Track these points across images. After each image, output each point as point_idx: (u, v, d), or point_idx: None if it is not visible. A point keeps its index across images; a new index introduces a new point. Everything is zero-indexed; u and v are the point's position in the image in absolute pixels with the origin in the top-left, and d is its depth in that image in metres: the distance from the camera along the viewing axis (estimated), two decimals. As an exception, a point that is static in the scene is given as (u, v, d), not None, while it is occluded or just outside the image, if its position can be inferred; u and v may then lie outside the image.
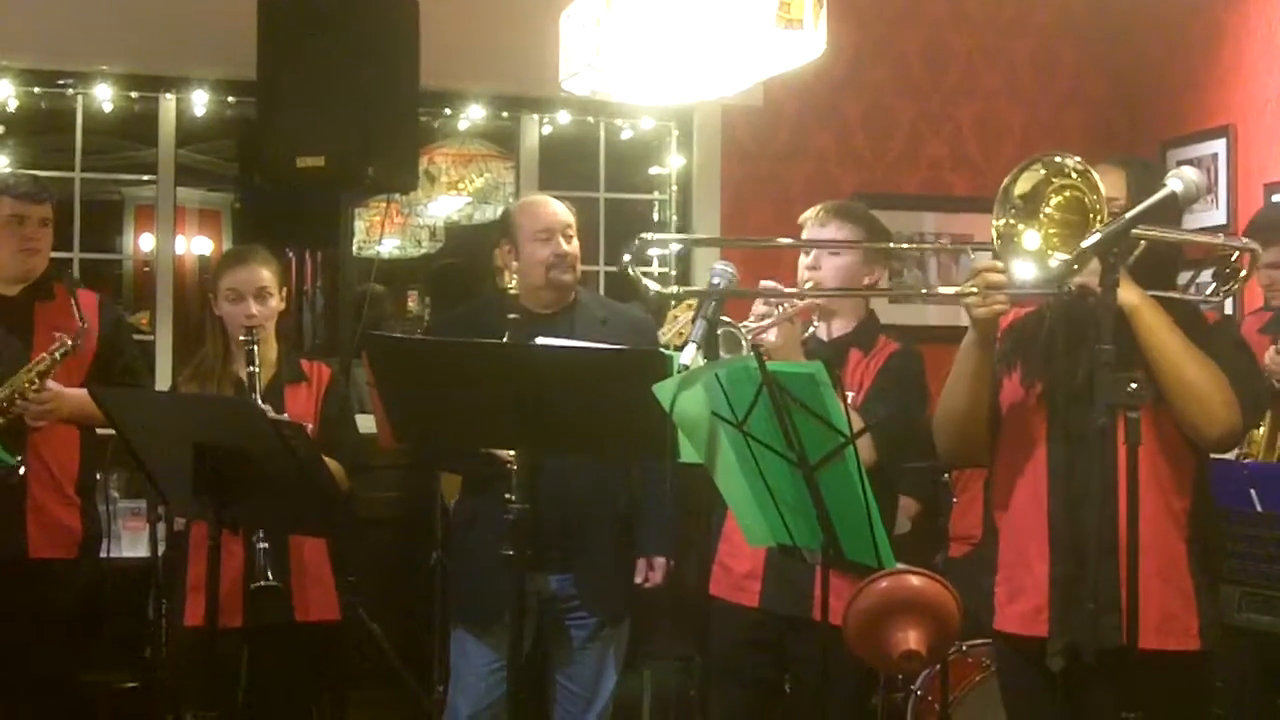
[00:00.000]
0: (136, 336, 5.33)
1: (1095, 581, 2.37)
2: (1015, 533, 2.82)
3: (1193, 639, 2.69)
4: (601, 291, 5.50)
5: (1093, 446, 2.45)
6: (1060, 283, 2.56)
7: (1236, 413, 2.63)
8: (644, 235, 3.02)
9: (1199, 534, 2.73)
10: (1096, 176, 2.51)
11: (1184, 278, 2.90)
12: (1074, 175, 2.53)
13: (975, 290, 2.64)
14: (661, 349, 3.37)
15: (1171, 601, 2.68)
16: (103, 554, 4.03)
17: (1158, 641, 2.60)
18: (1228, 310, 4.59)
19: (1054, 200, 2.58)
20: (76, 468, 3.84)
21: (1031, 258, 2.58)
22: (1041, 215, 2.58)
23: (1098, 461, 2.41)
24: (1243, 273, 2.78)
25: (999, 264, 2.61)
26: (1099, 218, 2.48)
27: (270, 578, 3.37)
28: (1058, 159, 2.55)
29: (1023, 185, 2.58)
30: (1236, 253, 2.78)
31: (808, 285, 3.34)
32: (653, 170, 5.87)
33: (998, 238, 2.60)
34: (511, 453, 3.12)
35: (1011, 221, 2.58)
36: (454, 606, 3.71)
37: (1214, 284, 2.77)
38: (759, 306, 3.18)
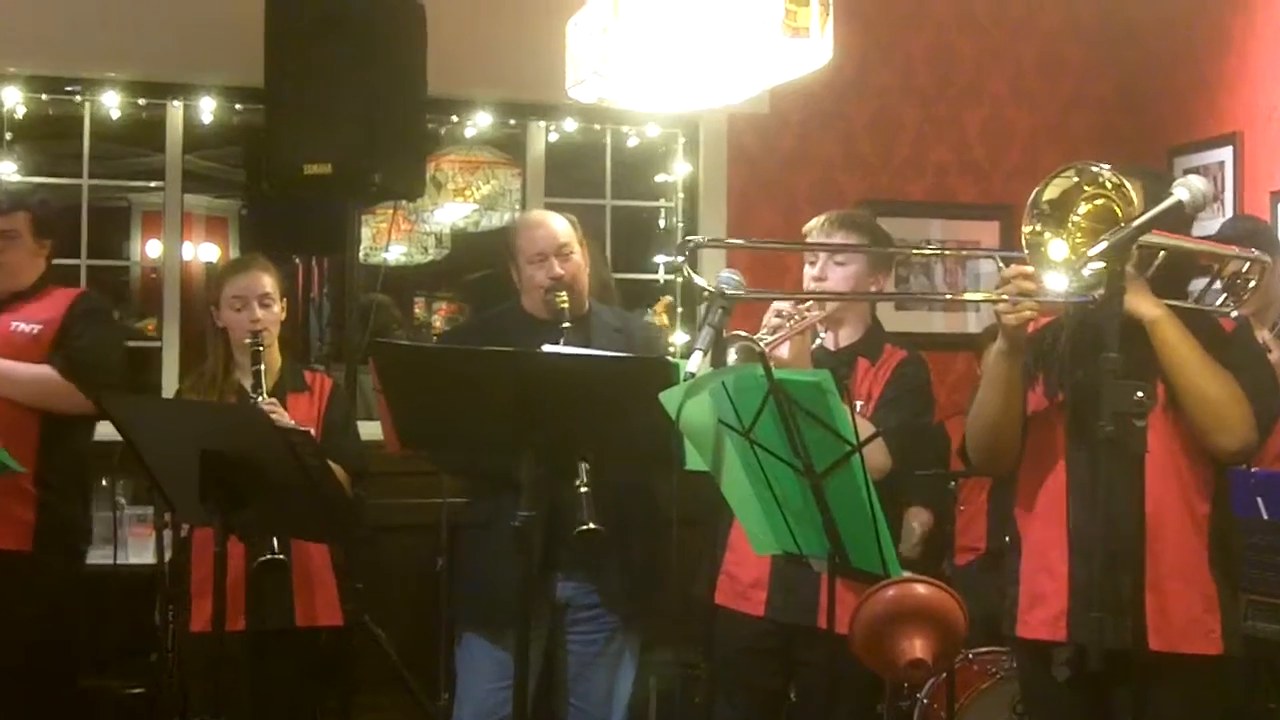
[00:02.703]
0: (142, 344, 5.36)
1: (1111, 586, 2.36)
2: (1037, 540, 2.83)
3: (1215, 643, 2.69)
4: (607, 298, 5.50)
5: (1112, 454, 2.44)
6: (1088, 291, 2.56)
7: (1253, 427, 2.65)
8: (691, 238, 3.00)
9: (1220, 538, 2.74)
10: (1131, 189, 2.51)
11: (1199, 283, 2.90)
12: (1108, 185, 2.53)
13: (1005, 297, 2.64)
14: (669, 358, 3.36)
15: (1194, 605, 2.68)
16: (108, 560, 4.00)
17: (1181, 644, 2.61)
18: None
19: (1083, 208, 2.58)
20: (33, 456, 3.73)
21: (1061, 267, 2.57)
22: (1070, 223, 2.58)
23: (1116, 469, 2.41)
24: (1252, 283, 2.78)
25: (1029, 269, 2.61)
26: None
27: (276, 551, 3.38)
28: (1092, 167, 2.56)
29: (1052, 192, 2.58)
30: (1247, 264, 2.79)
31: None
32: (659, 178, 5.87)
33: (1027, 245, 2.60)
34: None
35: (1039, 229, 2.58)
36: (463, 613, 3.67)
37: (1224, 294, 2.78)
38: (771, 319, 3.16)
